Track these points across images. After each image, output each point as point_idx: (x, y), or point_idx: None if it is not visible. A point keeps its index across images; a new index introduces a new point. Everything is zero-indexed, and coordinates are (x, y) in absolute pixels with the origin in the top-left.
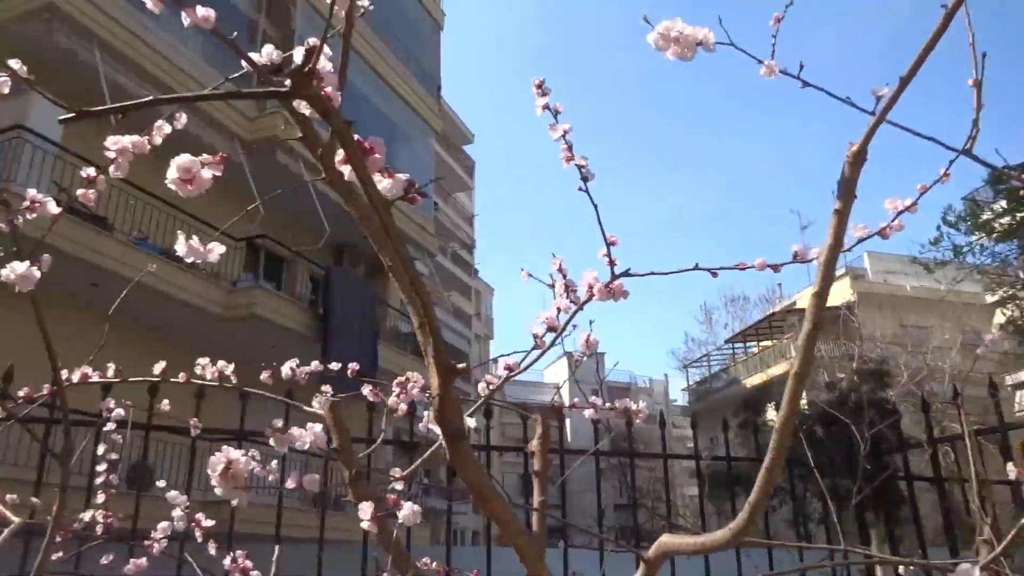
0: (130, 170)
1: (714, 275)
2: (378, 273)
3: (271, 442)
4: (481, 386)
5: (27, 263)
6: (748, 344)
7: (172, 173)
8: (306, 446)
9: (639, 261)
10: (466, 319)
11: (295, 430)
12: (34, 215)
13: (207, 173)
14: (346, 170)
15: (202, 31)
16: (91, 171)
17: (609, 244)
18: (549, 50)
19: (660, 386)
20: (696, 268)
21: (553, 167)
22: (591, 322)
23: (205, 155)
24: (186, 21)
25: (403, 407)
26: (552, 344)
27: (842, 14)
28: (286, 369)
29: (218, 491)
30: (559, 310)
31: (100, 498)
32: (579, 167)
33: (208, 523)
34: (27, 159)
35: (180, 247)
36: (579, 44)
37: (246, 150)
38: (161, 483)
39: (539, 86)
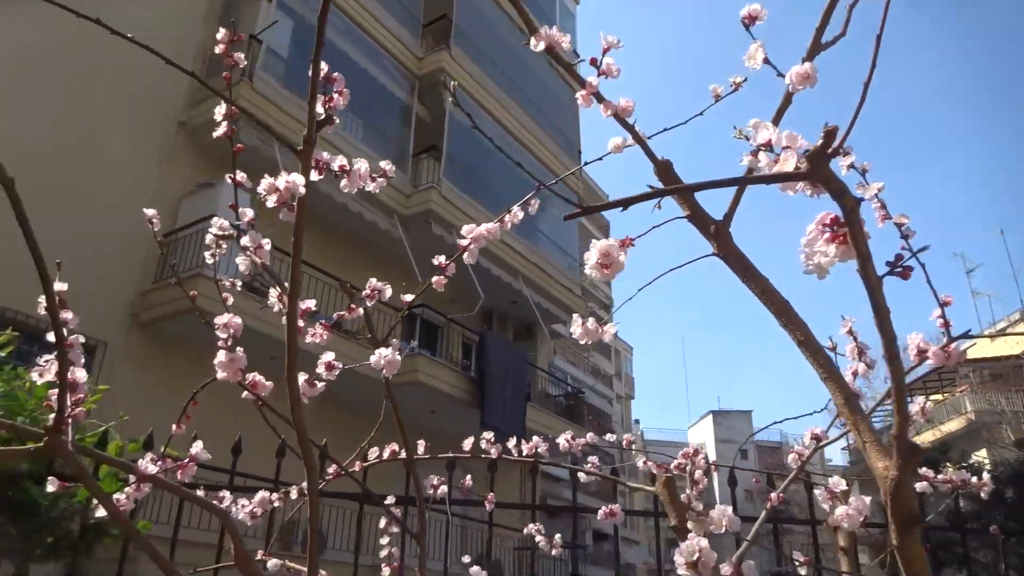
0: (305, 248)
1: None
2: (524, 336)
3: (691, 525)
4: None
5: (391, 350)
6: (915, 398)
7: (593, 257)
8: (722, 529)
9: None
10: (607, 379)
11: (715, 512)
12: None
13: (623, 256)
14: (831, 249)
15: (363, 120)
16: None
17: (943, 304)
18: (676, 107)
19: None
20: None
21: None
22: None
23: (618, 239)
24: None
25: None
26: (871, 412)
27: None
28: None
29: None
30: (855, 374)
31: (386, 572)
32: (898, 225)
33: None
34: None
35: (575, 328)
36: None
37: (404, 223)
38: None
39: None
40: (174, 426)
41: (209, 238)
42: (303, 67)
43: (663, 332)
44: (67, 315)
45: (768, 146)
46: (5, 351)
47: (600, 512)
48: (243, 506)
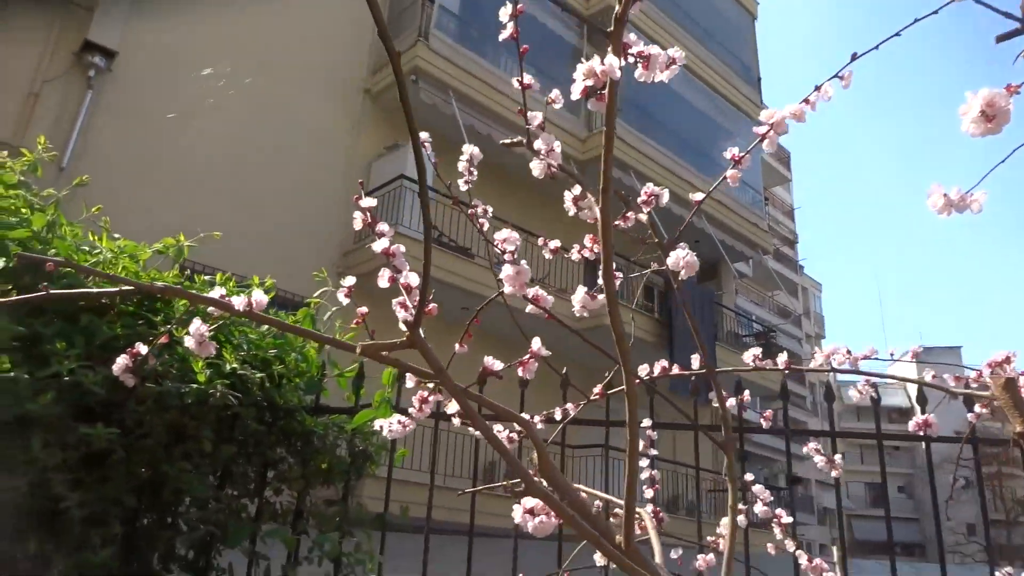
0: (484, 200)
1: None
2: (709, 276)
3: None
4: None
5: (686, 250)
6: None
7: (974, 109)
8: None
9: None
10: (795, 319)
11: None
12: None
13: (1010, 105)
14: None
15: (534, 67)
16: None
17: None
18: (865, 29)
19: None
20: None
21: (872, 151)
22: None
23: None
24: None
25: None
26: None
27: None
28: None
29: None
30: None
31: (648, 493)
32: None
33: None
34: (407, 204)
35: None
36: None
37: (581, 170)
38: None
39: None
40: (456, 345)
41: (462, 165)
42: (475, 21)
43: (854, 267)
44: (382, 227)
45: None
46: (270, 295)
47: (912, 423)
48: (499, 430)
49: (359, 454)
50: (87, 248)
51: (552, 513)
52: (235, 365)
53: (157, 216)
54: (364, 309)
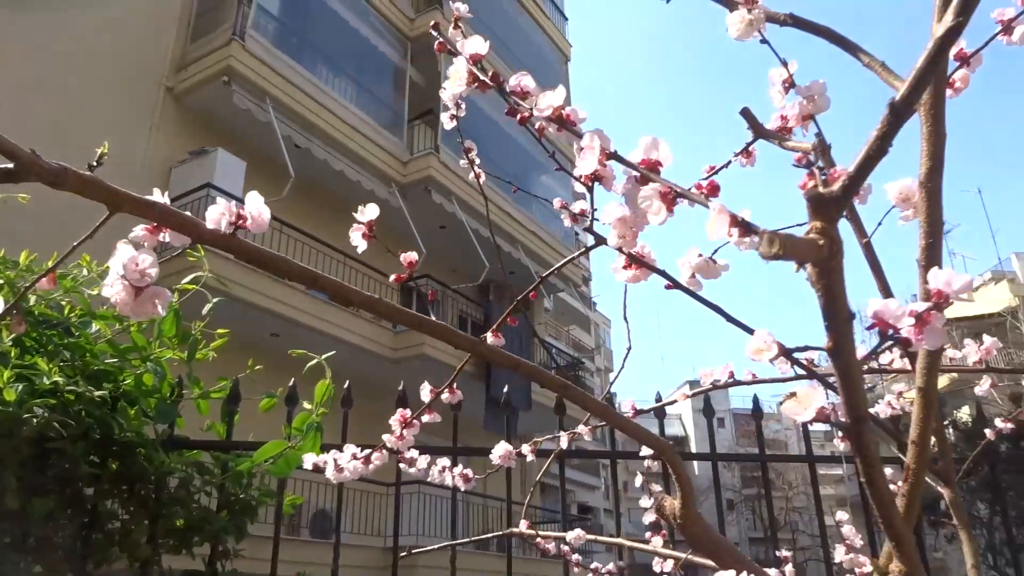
0: (302, 221)
1: None
2: (520, 308)
3: None
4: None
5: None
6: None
7: None
8: None
9: None
10: (588, 353)
11: None
12: None
13: None
14: None
15: (356, 83)
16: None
17: None
18: (674, 74)
19: None
20: None
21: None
22: None
23: None
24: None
25: None
26: None
27: None
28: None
29: None
30: None
31: (656, 541)
32: None
33: None
34: None
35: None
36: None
37: (402, 192)
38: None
39: None
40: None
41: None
42: (294, 27)
43: (639, 303)
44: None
45: None
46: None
47: None
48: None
49: (238, 504)
50: None
51: None
52: (58, 379)
53: None
54: (413, 256)
